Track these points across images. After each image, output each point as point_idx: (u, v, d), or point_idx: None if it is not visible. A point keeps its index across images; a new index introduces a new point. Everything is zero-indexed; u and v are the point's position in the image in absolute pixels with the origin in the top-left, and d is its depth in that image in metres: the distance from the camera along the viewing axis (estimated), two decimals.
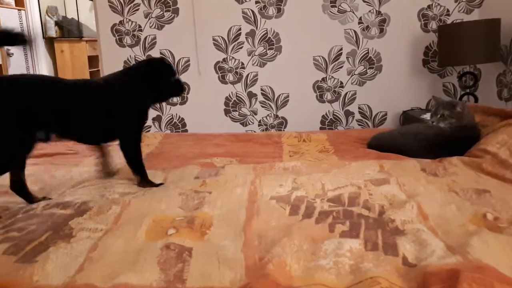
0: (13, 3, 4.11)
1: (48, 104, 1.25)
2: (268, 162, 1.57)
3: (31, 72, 4.28)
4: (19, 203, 1.23)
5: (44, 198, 1.27)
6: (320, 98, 2.77)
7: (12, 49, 3.94)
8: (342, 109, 2.78)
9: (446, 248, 0.90)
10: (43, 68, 4.78)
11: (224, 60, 2.74)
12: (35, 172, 1.51)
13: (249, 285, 0.79)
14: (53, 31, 4.91)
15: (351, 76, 2.73)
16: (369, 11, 2.64)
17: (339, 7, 2.64)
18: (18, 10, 4.12)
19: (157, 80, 1.42)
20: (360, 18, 2.65)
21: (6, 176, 1.24)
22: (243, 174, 1.44)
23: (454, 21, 2.59)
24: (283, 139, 1.95)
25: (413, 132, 1.69)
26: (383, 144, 1.70)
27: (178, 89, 1.50)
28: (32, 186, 1.32)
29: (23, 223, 1.06)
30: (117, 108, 1.36)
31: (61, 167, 1.59)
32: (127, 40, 2.73)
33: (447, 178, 1.35)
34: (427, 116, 2.37)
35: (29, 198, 1.25)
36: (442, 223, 1.03)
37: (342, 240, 0.94)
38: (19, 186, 1.26)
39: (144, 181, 1.39)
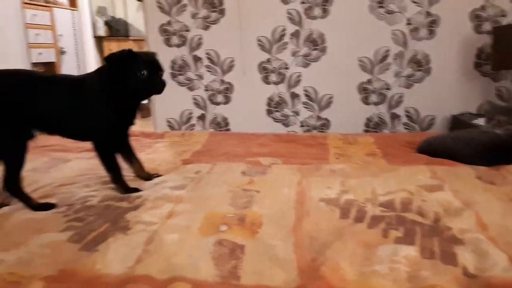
0: (67, 3, 4.31)
1: (28, 97, 1.20)
2: (314, 164, 1.56)
3: (81, 69, 4.48)
4: (76, 194, 1.28)
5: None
6: (365, 100, 2.72)
7: (65, 47, 4.13)
8: (388, 112, 2.72)
9: (509, 260, 0.86)
10: (92, 65, 4.99)
11: (268, 60, 2.75)
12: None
13: (305, 287, 0.79)
14: (102, 31, 5.11)
15: (398, 78, 2.67)
16: (418, 11, 2.57)
17: (387, 7, 2.58)
18: (72, 10, 4.31)
19: (120, 76, 1.25)
20: (409, 19, 2.58)
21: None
22: (289, 175, 1.44)
23: (511, 22, 2.47)
24: (328, 141, 1.93)
25: (467, 138, 1.63)
26: (435, 149, 1.65)
27: (149, 87, 1.29)
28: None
29: (83, 213, 1.12)
30: (85, 104, 1.26)
31: None
32: (174, 40, 2.80)
33: (506, 187, 1.28)
34: (479, 121, 2.27)
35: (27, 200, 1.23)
36: (503, 234, 0.99)
37: (397, 246, 0.92)
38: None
39: (117, 184, 1.30)
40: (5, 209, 1.18)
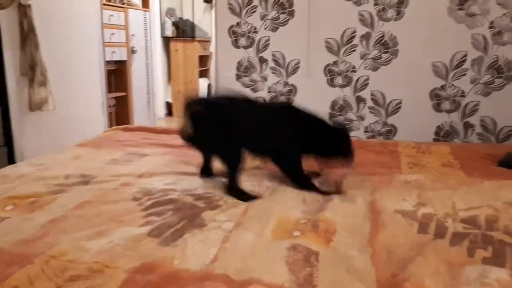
0: (140, 4, 4.53)
1: None
2: (386, 173, 1.50)
3: (149, 68, 4.68)
4: (157, 186, 1.33)
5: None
6: (437, 107, 2.58)
7: (136, 47, 4.34)
8: (461, 120, 2.56)
9: None
10: (158, 64, 5.21)
11: (335, 62, 2.70)
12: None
13: None
14: (170, 31, 5.32)
15: (475, 85, 2.50)
16: (503, 14, 2.39)
17: (468, 10, 2.43)
18: (144, 11, 4.53)
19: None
20: (492, 22, 2.41)
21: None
22: (361, 184, 1.39)
23: None
24: (399, 149, 1.85)
25: None
26: None
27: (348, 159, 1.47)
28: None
29: (161, 208, 1.16)
30: None
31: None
32: (242, 41, 2.84)
33: None
34: None
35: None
36: None
37: (486, 267, 0.86)
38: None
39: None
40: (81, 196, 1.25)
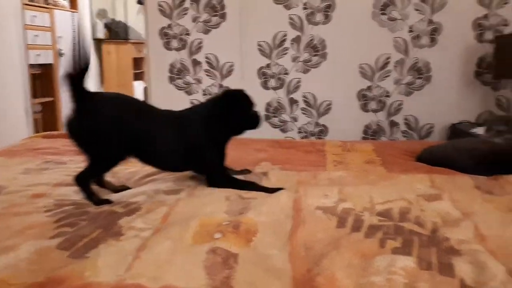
0: (67, 5, 4.30)
1: None
2: (311, 171, 1.54)
3: None
4: (72, 196, 1.26)
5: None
6: (364, 107, 2.71)
7: (64, 49, 4.12)
8: (387, 119, 2.70)
9: (508, 273, 0.84)
10: (91, 68, 4.97)
11: (268, 65, 2.74)
12: None
13: None
14: (101, 33, 5.11)
15: (398, 86, 2.66)
16: (421, 19, 2.56)
17: (389, 14, 2.58)
18: (72, 12, 4.31)
19: (233, 113, 1.41)
20: (411, 27, 2.58)
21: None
22: (286, 182, 1.41)
23: None
24: (326, 148, 1.91)
25: (469, 147, 1.61)
26: (435, 158, 1.63)
27: (255, 122, 1.47)
28: None
29: (76, 218, 1.09)
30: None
31: None
32: (174, 43, 2.79)
33: (505, 197, 1.27)
34: (478, 130, 2.26)
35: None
36: (502, 246, 0.97)
37: (394, 257, 0.90)
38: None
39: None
40: None
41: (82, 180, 1.25)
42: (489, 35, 2.52)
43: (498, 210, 1.16)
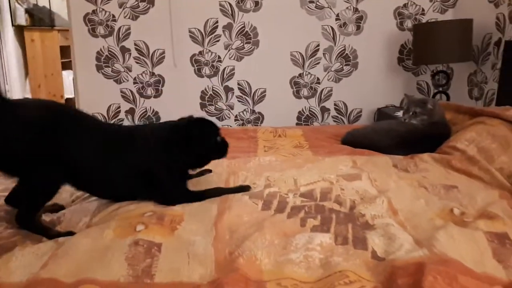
0: None
1: None
2: (242, 157, 1.56)
3: (2, 60, 4.13)
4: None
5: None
6: (297, 94, 2.78)
7: None
8: (318, 105, 2.80)
9: (414, 242, 0.92)
10: (13, 58, 4.61)
11: (200, 53, 2.71)
12: None
13: (218, 280, 0.79)
14: (23, 19, 4.73)
15: (327, 73, 2.75)
16: (347, 8, 2.66)
17: (317, 3, 2.65)
18: None
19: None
20: (338, 15, 2.67)
21: None
22: (217, 167, 1.42)
23: (429, 20, 2.64)
24: (258, 134, 1.94)
25: (386, 129, 1.72)
26: (357, 140, 1.72)
27: (222, 151, 1.31)
28: None
29: None
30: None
31: None
32: (100, 30, 2.66)
33: (418, 174, 1.37)
34: (401, 113, 2.41)
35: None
36: (411, 218, 1.05)
37: (313, 234, 0.95)
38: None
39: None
40: None
41: (25, 221, 1.05)
42: (409, 23, 2.68)
43: (410, 186, 1.25)
